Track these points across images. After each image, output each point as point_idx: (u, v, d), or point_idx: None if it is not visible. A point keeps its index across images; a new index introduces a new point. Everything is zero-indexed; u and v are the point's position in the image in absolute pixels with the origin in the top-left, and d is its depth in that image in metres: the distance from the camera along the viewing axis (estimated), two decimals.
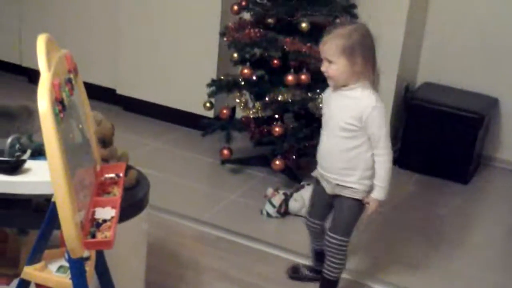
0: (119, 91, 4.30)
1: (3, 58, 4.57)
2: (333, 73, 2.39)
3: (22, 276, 1.84)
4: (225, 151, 3.59)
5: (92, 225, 1.75)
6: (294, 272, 2.84)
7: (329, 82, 2.45)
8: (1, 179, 1.95)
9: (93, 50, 4.30)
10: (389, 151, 2.44)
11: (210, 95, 3.56)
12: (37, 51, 1.62)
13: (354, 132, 2.40)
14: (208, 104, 3.60)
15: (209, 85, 3.58)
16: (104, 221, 1.77)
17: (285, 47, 3.30)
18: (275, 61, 3.39)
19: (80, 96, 1.92)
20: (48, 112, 1.53)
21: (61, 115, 1.61)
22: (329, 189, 2.55)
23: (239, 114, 3.62)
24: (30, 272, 1.83)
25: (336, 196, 2.54)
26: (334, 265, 2.57)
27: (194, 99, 3.84)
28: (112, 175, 1.99)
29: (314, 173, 2.64)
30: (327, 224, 2.66)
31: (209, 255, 2.95)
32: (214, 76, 3.77)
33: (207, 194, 3.50)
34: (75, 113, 1.83)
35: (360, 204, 2.52)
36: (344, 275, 2.75)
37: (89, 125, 1.97)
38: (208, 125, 3.63)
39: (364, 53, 2.37)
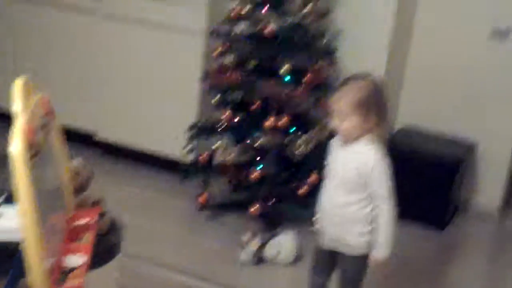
0: (98, 135, 4.26)
1: None
2: (346, 129, 2.31)
3: None
4: (203, 197, 3.56)
5: (61, 272, 1.70)
6: None
7: (341, 139, 2.38)
8: None
9: (73, 93, 4.27)
10: (391, 207, 2.35)
11: (191, 138, 3.54)
12: (13, 94, 1.60)
13: (355, 186, 2.33)
14: (187, 148, 3.57)
15: (189, 129, 3.56)
16: (73, 269, 1.73)
17: (265, 91, 3.30)
18: (255, 105, 3.39)
19: (56, 140, 1.89)
20: (20, 157, 1.50)
21: (34, 159, 1.58)
22: (330, 244, 2.47)
23: (218, 158, 3.59)
24: None
25: (338, 253, 2.46)
26: None
27: (174, 143, 3.82)
28: (84, 221, 1.95)
29: (315, 227, 2.56)
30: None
31: None
32: (194, 119, 3.76)
33: (183, 241, 3.44)
34: (49, 157, 1.80)
35: (362, 259, 2.42)
36: None
37: (63, 171, 1.93)
38: (188, 170, 3.60)
39: (377, 109, 2.31)
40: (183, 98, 3.92)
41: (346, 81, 2.37)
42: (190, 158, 3.69)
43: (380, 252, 2.35)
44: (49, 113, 1.80)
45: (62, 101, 4.10)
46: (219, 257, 3.29)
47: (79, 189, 2.22)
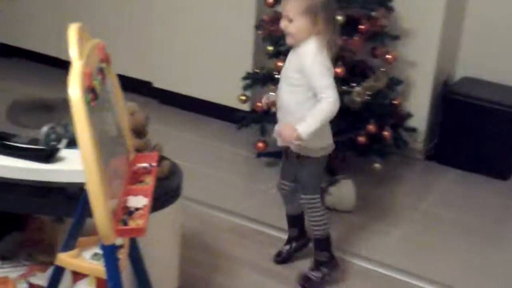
0: (155, 84, 4.33)
1: (42, 51, 4.64)
2: (293, 30, 2.40)
3: (57, 262, 1.88)
4: (260, 144, 3.59)
5: (125, 213, 1.77)
6: (278, 256, 2.86)
7: (288, 39, 2.45)
8: (35, 167, 1.98)
9: (129, 43, 4.33)
10: (330, 99, 2.34)
11: (245, 88, 3.56)
12: (68, 39, 1.64)
13: (297, 87, 2.43)
14: (243, 97, 3.60)
15: (244, 78, 3.58)
16: (136, 209, 1.79)
17: None
18: None
19: (113, 85, 1.94)
20: (79, 100, 1.55)
21: (93, 103, 1.63)
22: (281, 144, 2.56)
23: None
24: (64, 258, 1.85)
25: (298, 156, 2.56)
26: (315, 223, 2.65)
27: (229, 92, 3.85)
28: (145, 164, 2.00)
29: (274, 130, 2.61)
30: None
31: (243, 247, 2.96)
32: (249, 69, 3.77)
33: (242, 187, 3.51)
34: (107, 102, 1.85)
35: (317, 161, 2.55)
36: (388, 273, 2.81)
37: (122, 115, 1.98)
38: (243, 118, 3.63)
39: (326, 15, 2.39)
40: (238, 46, 3.93)
41: None
42: (246, 106, 3.71)
43: (302, 127, 2.34)
44: (105, 59, 1.84)
45: (119, 50, 4.23)
46: (277, 203, 3.31)
47: (137, 133, 2.28)
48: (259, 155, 3.68)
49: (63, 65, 4.44)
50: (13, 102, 4.19)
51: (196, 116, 4.23)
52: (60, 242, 2.26)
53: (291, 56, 2.49)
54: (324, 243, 2.70)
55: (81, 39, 1.69)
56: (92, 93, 1.63)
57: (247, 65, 3.86)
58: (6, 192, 2.03)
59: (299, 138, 2.35)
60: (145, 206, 1.79)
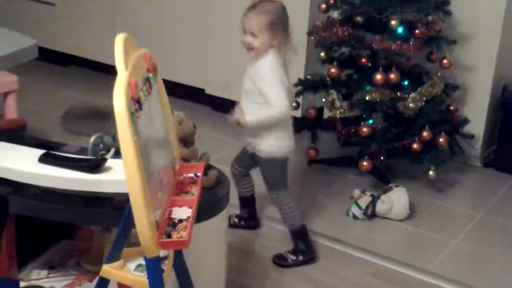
0: (207, 91, 4.32)
1: (98, 59, 4.69)
2: (257, 46, 2.60)
3: (101, 274, 1.87)
4: (312, 151, 3.54)
5: (168, 225, 1.74)
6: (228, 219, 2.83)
7: (250, 53, 2.64)
8: (83, 178, 1.98)
9: (183, 50, 4.34)
10: (281, 109, 2.60)
11: (297, 95, 3.52)
12: (114, 50, 1.63)
13: (250, 94, 2.65)
14: (294, 104, 3.56)
15: (296, 85, 3.54)
16: (180, 221, 1.76)
17: (373, 45, 3.21)
18: (363, 60, 3.31)
19: (160, 95, 1.92)
20: (123, 111, 1.53)
21: (137, 114, 1.61)
22: (248, 147, 2.81)
23: (326, 114, 3.55)
24: (108, 270, 1.84)
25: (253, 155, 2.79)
26: (286, 216, 2.83)
27: None
28: (191, 174, 1.98)
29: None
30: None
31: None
32: (301, 75, 3.73)
33: (293, 194, 3.43)
34: (154, 112, 1.83)
35: (276, 161, 2.74)
36: (445, 286, 2.76)
37: (169, 124, 1.97)
38: (295, 125, 3.58)
39: (284, 28, 2.62)
40: (291, 53, 3.87)
41: (257, 3, 2.65)
42: (297, 113, 3.67)
43: (250, 116, 2.61)
44: (152, 68, 1.82)
45: (174, 57, 4.25)
46: (329, 211, 3.27)
47: (185, 142, 2.26)
48: (311, 162, 3.63)
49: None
50: (67, 110, 4.26)
51: None
52: (107, 252, 2.28)
53: (250, 68, 2.67)
54: (299, 234, 2.84)
55: (127, 50, 1.68)
56: (136, 104, 1.61)
57: (299, 71, 3.81)
58: (53, 202, 2.04)
59: (242, 119, 2.62)
60: (189, 217, 1.77)
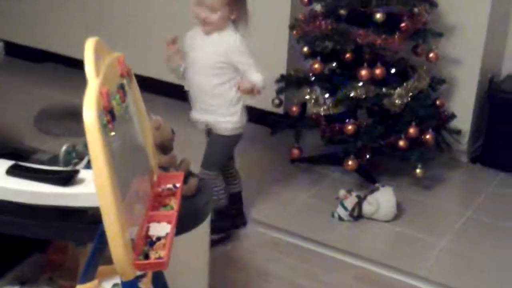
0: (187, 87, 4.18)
1: (74, 55, 4.53)
2: (214, 21, 2.59)
3: None
4: (295, 150, 3.42)
5: (146, 243, 1.62)
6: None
7: (205, 27, 2.63)
8: (54, 191, 1.85)
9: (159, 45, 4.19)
10: (263, 78, 2.66)
11: (279, 91, 3.40)
12: (84, 56, 1.50)
13: (220, 70, 2.63)
14: (276, 101, 3.44)
15: (278, 81, 3.42)
16: (159, 238, 1.63)
17: (358, 39, 3.10)
18: (348, 55, 3.20)
19: (135, 101, 1.79)
20: (94, 124, 1.40)
21: (110, 125, 1.48)
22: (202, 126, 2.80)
23: (309, 111, 3.43)
24: None
25: (209, 133, 2.80)
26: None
27: (263, 95, 3.66)
28: (170, 185, 1.86)
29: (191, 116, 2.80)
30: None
31: (276, 262, 2.80)
32: (283, 71, 3.60)
33: (275, 195, 3.31)
34: (128, 120, 1.70)
35: (226, 141, 2.77)
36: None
37: (145, 132, 1.84)
38: (277, 123, 3.47)
39: (241, 3, 2.64)
40: (272, 47, 3.75)
41: None
42: (280, 110, 3.55)
43: (256, 77, 2.63)
44: (125, 73, 1.69)
45: (152, 53, 4.11)
46: (313, 213, 3.16)
47: (163, 148, 2.14)
48: (294, 161, 3.52)
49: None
50: (41, 110, 4.11)
51: None
52: (82, 266, 2.15)
53: (206, 42, 2.65)
54: (218, 215, 2.80)
55: (99, 55, 1.55)
56: (109, 114, 1.48)
57: (281, 66, 3.69)
58: (22, 216, 1.90)
59: (258, 87, 2.62)
60: (168, 234, 1.64)
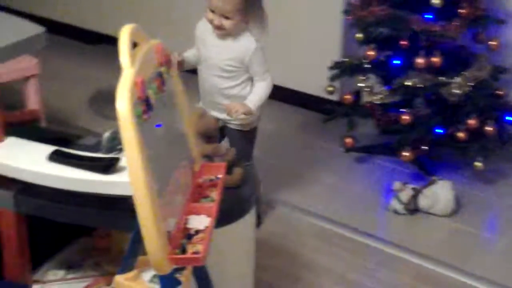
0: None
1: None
2: (228, 27, 2.51)
3: (113, 285, 1.71)
4: (348, 140, 3.32)
5: (184, 236, 1.57)
6: None
7: (219, 33, 2.55)
8: (94, 179, 1.83)
9: None
10: (270, 81, 2.63)
11: (332, 79, 3.30)
12: (119, 44, 1.46)
13: (234, 72, 2.58)
14: (330, 88, 3.34)
15: (331, 68, 3.32)
16: (197, 232, 1.59)
17: (414, 26, 2.98)
18: (403, 42, 3.07)
19: (176, 89, 1.74)
20: (127, 114, 1.36)
21: (145, 116, 1.44)
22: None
23: (364, 99, 3.31)
24: (121, 282, 1.68)
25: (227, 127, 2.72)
26: None
27: (317, 81, 3.59)
28: (212, 176, 1.80)
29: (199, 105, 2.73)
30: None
31: (327, 254, 2.73)
32: (337, 57, 3.49)
33: (329, 185, 3.23)
34: (168, 108, 1.66)
35: (242, 135, 2.71)
36: None
37: (187, 121, 1.79)
38: (331, 111, 3.38)
39: (254, 9, 2.55)
40: (326, 33, 3.65)
41: None
42: (335, 96, 3.45)
43: (251, 102, 2.56)
44: (164, 61, 1.64)
45: None
46: (367, 204, 3.07)
47: (207, 137, 2.09)
48: (348, 150, 3.42)
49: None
50: (97, 92, 4.12)
51: (282, 106, 3.97)
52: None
53: (220, 46, 2.57)
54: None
55: (138, 42, 1.51)
56: (144, 104, 1.44)
57: (335, 53, 3.59)
58: (62, 202, 1.89)
59: (250, 111, 2.54)
60: (207, 227, 1.59)
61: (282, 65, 3.90)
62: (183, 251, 1.52)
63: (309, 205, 3.03)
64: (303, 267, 2.64)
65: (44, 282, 2.19)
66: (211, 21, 2.51)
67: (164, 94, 1.60)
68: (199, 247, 1.52)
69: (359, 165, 3.39)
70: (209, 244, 1.54)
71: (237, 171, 2.07)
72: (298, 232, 2.87)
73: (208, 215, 1.64)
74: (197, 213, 1.65)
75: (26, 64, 3.08)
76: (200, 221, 1.62)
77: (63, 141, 2.08)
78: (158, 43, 1.63)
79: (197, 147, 1.83)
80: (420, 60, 2.99)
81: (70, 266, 2.25)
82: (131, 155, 1.36)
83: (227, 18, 2.48)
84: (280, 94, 3.96)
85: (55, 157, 1.88)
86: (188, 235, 1.57)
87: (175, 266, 1.52)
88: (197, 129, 2.06)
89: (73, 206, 1.91)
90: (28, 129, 2.11)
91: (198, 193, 1.74)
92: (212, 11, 2.48)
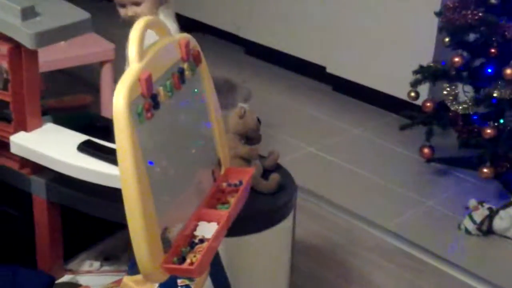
0: (329, 70, 4.00)
1: (220, 26, 4.49)
2: (144, 11, 2.29)
3: (121, 287, 1.66)
4: (426, 150, 3.12)
5: (187, 244, 1.48)
6: None
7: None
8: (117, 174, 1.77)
9: (306, 26, 4.03)
10: None
11: (414, 84, 3.11)
12: (130, 38, 1.38)
13: None
14: (412, 94, 3.15)
15: (415, 72, 3.12)
16: (202, 240, 1.49)
17: (506, 33, 2.74)
18: (493, 50, 2.84)
19: (205, 87, 1.65)
20: (123, 111, 1.28)
21: (148, 114, 1.36)
22: None
23: (446, 108, 3.09)
24: (129, 285, 1.62)
25: None
26: None
27: (405, 84, 3.39)
28: (236, 181, 1.70)
29: None
30: None
31: (384, 271, 2.56)
32: (430, 61, 3.27)
33: (401, 197, 3.03)
34: (187, 107, 1.57)
35: None
36: None
37: (215, 119, 1.69)
38: (410, 117, 3.18)
39: None
40: (417, 35, 3.44)
41: None
42: (415, 103, 3.25)
43: None
44: (188, 57, 1.55)
45: (295, 32, 3.99)
46: (437, 221, 2.87)
47: (248, 138, 1.99)
48: (429, 161, 3.20)
49: (240, 42, 4.33)
50: None
51: (366, 107, 3.79)
52: None
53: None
54: None
55: (160, 35, 1.44)
56: (148, 102, 1.35)
57: (428, 56, 3.37)
58: (95, 195, 1.85)
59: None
60: (211, 238, 1.49)
61: (373, 66, 3.75)
62: (183, 259, 1.44)
63: (373, 215, 2.86)
64: (352, 282, 2.50)
65: (78, 273, 2.17)
66: (125, 16, 2.33)
67: (182, 91, 1.51)
68: (194, 258, 1.43)
69: (438, 178, 3.18)
70: (209, 255, 1.45)
71: (274, 177, 1.96)
72: (354, 243, 2.71)
73: (218, 223, 1.54)
74: (208, 220, 1.55)
75: (102, 49, 3.10)
76: (208, 229, 1.52)
77: (105, 128, 2.04)
78: (183, 38, 1.55)
79: (226, 149, 1.74)
80: (509, 71, 2.75)
81: (106, 258, 2.22)
82: (122, 155, 1.29)
83: (137, 3, 2.31)
84: (368, 95, 3.81)
85: (85, 147, 1.84)
86: (192, 243, 1.48)
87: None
88: (237, 129, 1.98)
89: (104, 200, 1.86)
90: (74, 115, 2.09)
91: (217, 198, 1.65)
92: (123, 6, 2.32)
